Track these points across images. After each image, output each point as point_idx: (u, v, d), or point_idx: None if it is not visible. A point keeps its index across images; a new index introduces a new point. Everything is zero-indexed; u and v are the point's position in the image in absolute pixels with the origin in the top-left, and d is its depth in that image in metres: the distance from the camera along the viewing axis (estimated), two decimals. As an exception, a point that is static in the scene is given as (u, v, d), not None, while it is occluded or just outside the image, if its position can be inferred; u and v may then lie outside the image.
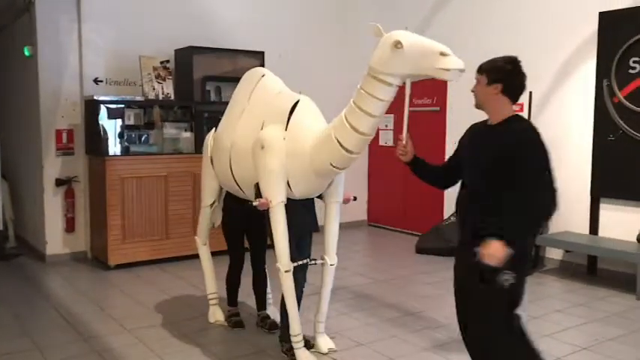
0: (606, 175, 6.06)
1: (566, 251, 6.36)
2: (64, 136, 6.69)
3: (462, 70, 2.94)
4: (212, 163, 4.49)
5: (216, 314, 4.74)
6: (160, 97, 6.73)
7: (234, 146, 4.11)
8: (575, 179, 6.12)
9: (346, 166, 3.67)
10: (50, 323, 4.77)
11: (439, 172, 3.34)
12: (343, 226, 4.15)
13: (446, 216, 7.57)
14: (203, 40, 7.01)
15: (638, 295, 5.40)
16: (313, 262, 4.06)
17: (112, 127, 6.51)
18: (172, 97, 6.83)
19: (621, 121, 5.93)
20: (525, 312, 2.96)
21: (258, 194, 3.81)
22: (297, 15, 8.22)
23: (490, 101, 2.89)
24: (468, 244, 2.88)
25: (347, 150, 3.50)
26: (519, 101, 3.09)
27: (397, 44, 3.10)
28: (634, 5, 5.84)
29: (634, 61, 5.85)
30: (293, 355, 3.89)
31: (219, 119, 4.52)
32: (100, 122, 6.41)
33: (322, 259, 4.10)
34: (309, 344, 4.07)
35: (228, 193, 4.52)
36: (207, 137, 4.68)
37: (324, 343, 4.16)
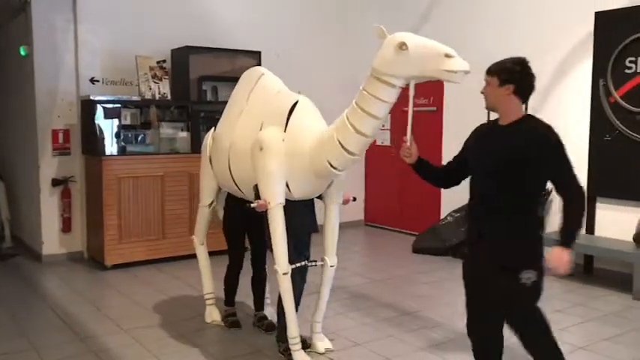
0: (603, 174, 6.07)
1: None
2: (61, 136, 6.68)
3: (467, 72, 2.95)
4: (211, 163, 4.49)
5: (213, 314, 4.73)
6: (157, 96, 6.72)
7: (233, 146, 4.11)
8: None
9: (346, 167, 3.66)
10: (47, 323, 4.76)
11: (442, 172, 3.35)
12: (340, 226, 4.15)
13: (442, 216, 7.58)
14: (199, 40, 7.00)
15: (635, 294, 5.42)
16: (313, 263, 4.06)
17: (108, 127, 6.50)
18: (169, 97, 6.82)
19: (617, 121, 5.95)
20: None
21: (257, 195, 3.80)
22: (297, 15, 8.22)
23: (502, 102, 2.91)
24: (478, 244, 2.95)
25: (348, 151, 3.49)
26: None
27: (402, 46, 3.09)
28: (630, 5, 5.86)
29: (630, 61, 5.87)
30: (290, 355, 3.89)
31: (216, 119, 4.51)
32: (97, 122, 6.40)
33: (322, 260, 4.10)
34: (306, 344, 4.06)
35: (229, 192, 4.52)
36: (206, 136, 4.67)
37: (321, 343, 4.16)
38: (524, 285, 2.82)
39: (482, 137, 3.09)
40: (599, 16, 6.07)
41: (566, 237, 2.80)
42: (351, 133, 3.43)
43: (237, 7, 7.66)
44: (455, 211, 7.16)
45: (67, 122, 6.71)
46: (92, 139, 6.47)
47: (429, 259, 6.92)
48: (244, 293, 4.80)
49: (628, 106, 5.86)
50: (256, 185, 3.82)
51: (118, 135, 6.55)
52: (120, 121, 6.54)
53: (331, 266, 4.11)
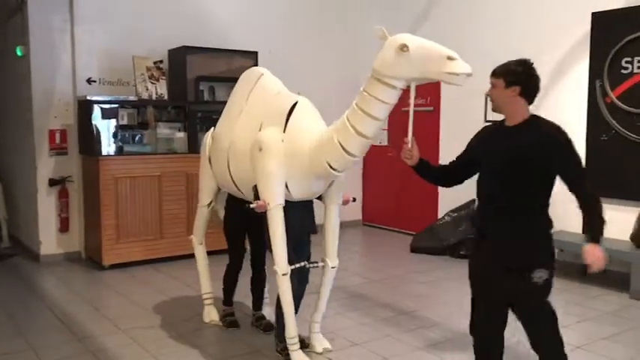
0: (599, 174, 6.07)
1: (560, 250, 6.38)
2: (57, 136, 6.67)
3: (469, 75, 2.95)
4: (210, 163, 4.48)
5: (211, 314, 4.73)
6: (154, 97, 6.72)
7: (232, 147, 4.10)
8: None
9: (346, 169, 3.65)
10: (44, 323, 4.76)
11: (444, 172, 3.36)
12: (339, 226, 4.15)
13: (440, 215, 7.58)
14: (196, 40, 6.99)
15: (632, 293, 5.43)
16: (314, 265, 4.05)
17: (105, 127, 6.49)
18: (166, 97, 6.82)
19: (614, 121, 5.97)
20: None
21: (257, 196, 3.80)
22: (296, 15, 8.21)
23: (509, 104, 2.92)
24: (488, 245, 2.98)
25: (349, 153, 3.49)
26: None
27: (403, 47, 3.08)
28: (627, 6, 5.88)
29: (626, 62, 5.89)
30: (287, 354, 3.88)
31: (213, 119, 4.51)
32: (94, 122, 6.39)
33: (323, 261, 4.10)
34: (304, 343, 4.06)
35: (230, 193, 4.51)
36: (205, 136, 4.66)
37: (320, 342, 4.16)
38: (536, 284, 2.86)
39: (488, 138, 3.10)
40: (595, 16, 6.09)
41: (594, 233, 2.81)
42: (352, 134, 3.42)
43: (234, 7, 7.66)
44: (452, 211, 7.16)
45: (64, 122, 6.70)
46: (89, 139, 6.47)
47: (427, 259, 6.93)
48: (243, 293, 4.80)
49: (624, 106, 5.88)
50: (256, 186, 3.82)
51: (115, 135, 6.54)
52: (117, 121, 6.53)
53: (332, 267, 4.10)
